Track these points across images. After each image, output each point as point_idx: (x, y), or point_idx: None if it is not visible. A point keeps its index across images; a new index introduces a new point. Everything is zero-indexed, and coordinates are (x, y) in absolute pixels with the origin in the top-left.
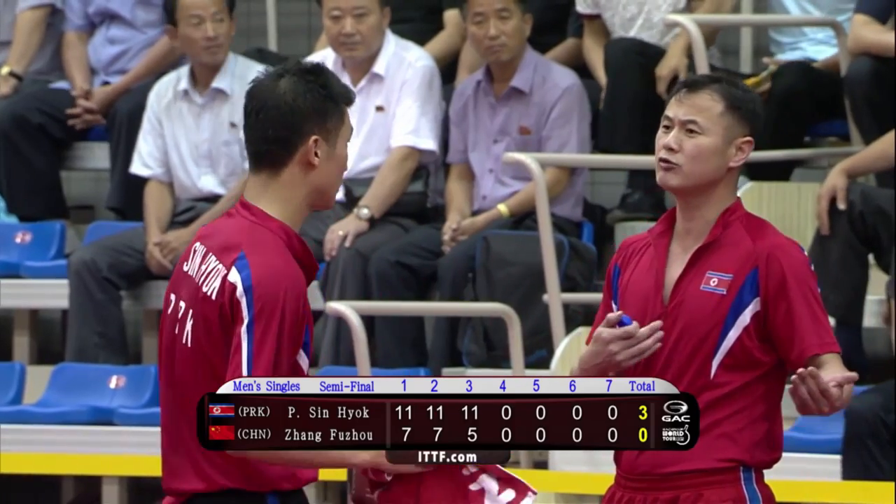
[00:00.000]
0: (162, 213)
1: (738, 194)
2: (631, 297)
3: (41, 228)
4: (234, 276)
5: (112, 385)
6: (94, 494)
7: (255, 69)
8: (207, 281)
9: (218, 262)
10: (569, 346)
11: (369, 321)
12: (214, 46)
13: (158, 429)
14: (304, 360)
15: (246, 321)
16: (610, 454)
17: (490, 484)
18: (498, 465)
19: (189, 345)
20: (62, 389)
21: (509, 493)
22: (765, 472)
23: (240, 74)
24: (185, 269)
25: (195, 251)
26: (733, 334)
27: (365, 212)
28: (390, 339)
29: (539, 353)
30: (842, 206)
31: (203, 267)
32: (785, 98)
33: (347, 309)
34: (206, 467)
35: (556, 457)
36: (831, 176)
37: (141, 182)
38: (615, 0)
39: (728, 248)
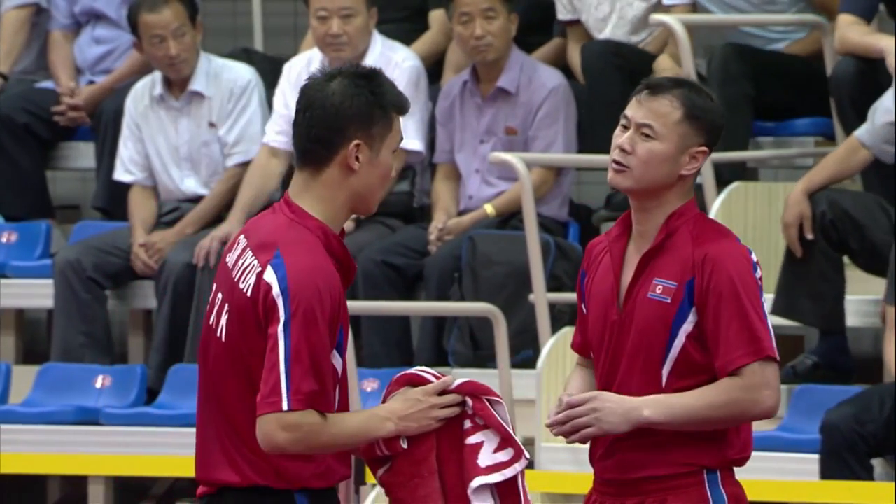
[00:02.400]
0: (146, 216)
1: (724, 194)
2: (594, 302)
3: (27, 228)
4: (270, 276)
5: (98, 385)
6: (79, 494)
7: (230, 68)
8: (244, 277)
9: (254, 258)
10: (555, 346)
11: (356, 321)
12: (178, 63)
13: (143, 429)
14: (337, 361)
15: (282, 320)
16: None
17: (490, 439)
18: (503, 421)
19: (223, 339)
20: (48, 389)
21: (508, 452)
22: (741, 470)
23: (214, 74)
24: (227, 260)
25: (238, 243)
26: (678, 343)
27: None
28: (376, 339)
29: (525, 353)
30: (809, 236)
31: (241, 262)
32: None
33: None
34: (239, 461)
35: (543, 456)
36: (795, 202)
37: (126, 183)
38: (588, 2)
39: (671, 255)
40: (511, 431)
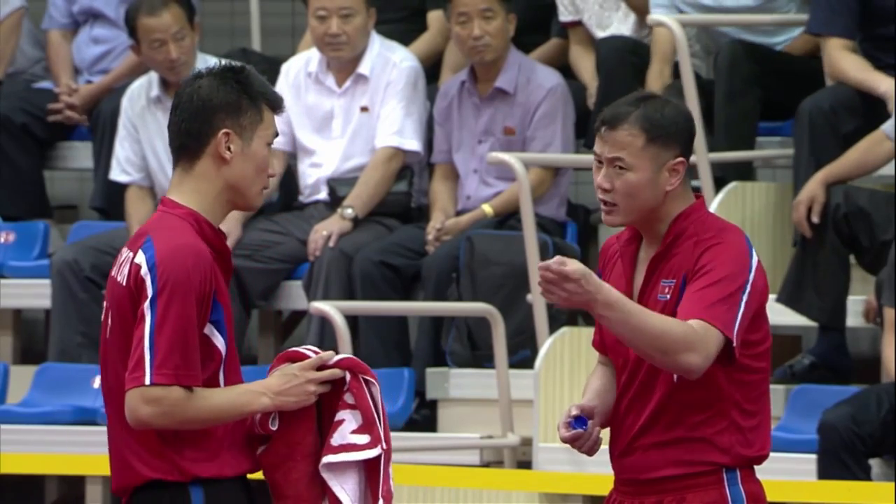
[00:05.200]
0: (143, 217)
1: (722, 194)
2: None
3: (25, 228)
4: (140, 258)
5: (95, 385)
6: (77, 494)
7: None
8: (120, 271)
9: (128, 251)
10: (552, 346)
11: (353, 321)
12: (178, 66)
13: None
14: (217, 338)
15: (149, 296)
16: (592, 455)
17: (352, 419)
18: (373, 404)
19: (109, 336)
20: (45, 389)
21: (364, 437)
22: (756, 468)
23: None
24: (113, 274)
25: (121, 254)
26: None
27: (349, 212)
28: (374, 340)
29: (523, 353)
30: (815, 219)
31: (119, 262)
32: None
33: (331, 309)
34: (132, 460)
35: (540, 457)
36: (810, 188)
37: (122, 183)
38: (590, 1)
39: (677, 256)
40: (377, 416)
